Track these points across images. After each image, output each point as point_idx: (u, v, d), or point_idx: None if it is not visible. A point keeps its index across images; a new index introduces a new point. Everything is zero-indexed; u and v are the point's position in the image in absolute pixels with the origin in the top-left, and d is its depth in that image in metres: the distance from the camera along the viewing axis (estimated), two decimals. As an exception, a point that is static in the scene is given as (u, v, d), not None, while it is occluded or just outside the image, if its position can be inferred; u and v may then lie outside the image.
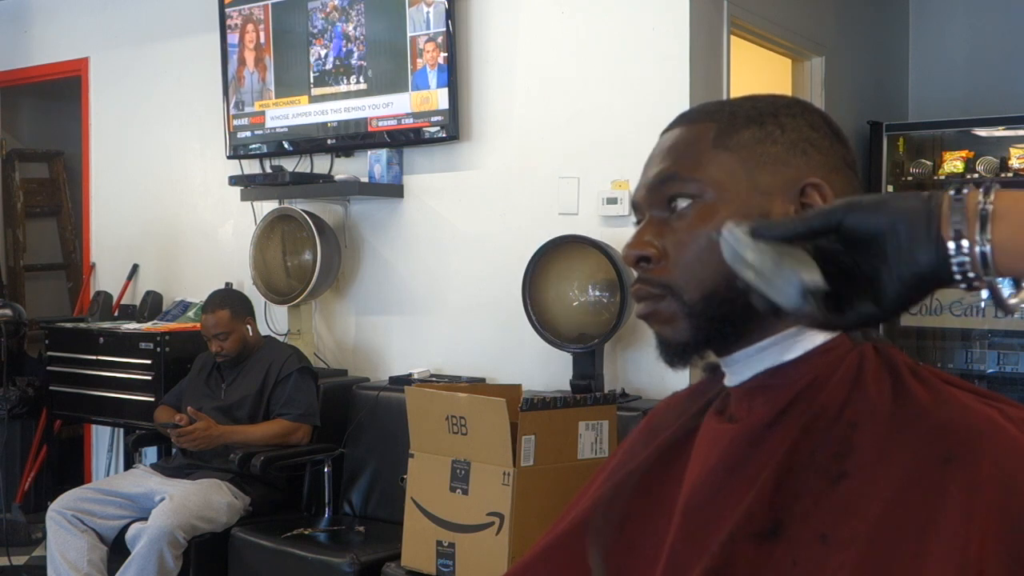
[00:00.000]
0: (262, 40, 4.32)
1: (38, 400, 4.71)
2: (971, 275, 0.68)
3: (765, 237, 0.75)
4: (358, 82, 4.01)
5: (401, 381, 3.67)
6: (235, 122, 4.40)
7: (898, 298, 0.71)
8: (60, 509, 3.46)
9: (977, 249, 0.68)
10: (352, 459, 3.75)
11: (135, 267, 4.91)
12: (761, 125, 0.91)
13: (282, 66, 4.27)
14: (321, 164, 4.23)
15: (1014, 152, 4.74)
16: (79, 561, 3.39)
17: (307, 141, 4.19)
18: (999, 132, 4.88)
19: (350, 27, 4.05)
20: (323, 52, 4.13)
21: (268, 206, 4.21)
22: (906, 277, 0.70)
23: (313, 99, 4.14)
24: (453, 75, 3.75)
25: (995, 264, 0.68)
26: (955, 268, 0.68)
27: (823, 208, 0.75)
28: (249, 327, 3.81)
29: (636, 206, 0.95)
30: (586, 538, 0.96)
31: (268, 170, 4.31)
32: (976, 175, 4.80)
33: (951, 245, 0.68)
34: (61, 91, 5.59)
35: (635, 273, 0.93)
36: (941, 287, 0.71)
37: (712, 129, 0.92)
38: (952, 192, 0.69)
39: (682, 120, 0.95)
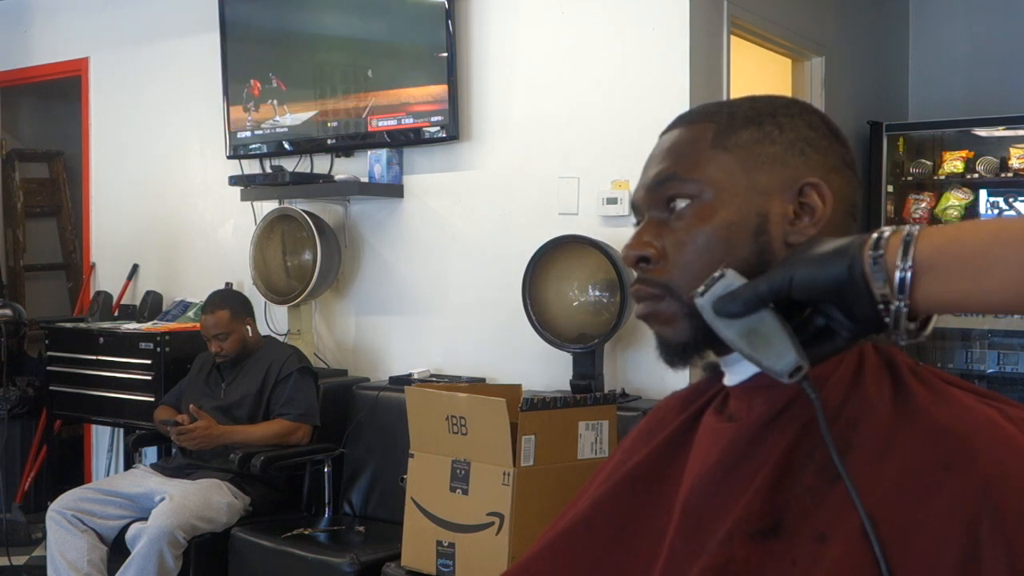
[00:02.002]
0: (263, 40, 4.33)
1: (38, 400, 4.71)
2: (902, 325, 0.76)
3: (729, 315, 0.82)
4: (358, 82, 4.01)
5: (401, 381, 3.68)
6: (235, 122, 4.40)
7: (850, 339, 0.81)
8: (60, 509, 3.46)
9: (892, 309, 0.75)
10: (352, 459, 3.75)
11: (135, 267, 4.91)
12: (759, 125, 0.91)
13: (283, 66, 4.27)
14: (321, 164, 4.23)
15: (1014, 152, 4.74)
16: (79, 561, 3.39)
17: (307, 141, 4.19)
18: (999, 132, 4.88)
19: (350, 27, 4.05)
20: (324, 52, 4.13)
21: (268, 206, 4.21)
22: (850, 326, 0.79)
23: (313, 99, 4.14)
24: (453, 75, 3.75)
25: (912, 315, 0.76)
26: (888, 322, 0.77)
27: (769, 278, 0.81)
28: (249, 327, 3.81)
29: (635, 207, 0.96)
30: (585, 537, 0.96)
31: (268, 170, 4.32)
32: (976, 175, 4.80)
33: (880, 308, 0.76)
34: (61, 91, 5.59)
35: (635, 273, 0.93)
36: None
37: (711, 130, 0.92)
38: (870, 255, 0.76)
39: (681, 121, 0.96)
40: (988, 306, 0.75)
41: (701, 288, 0.84)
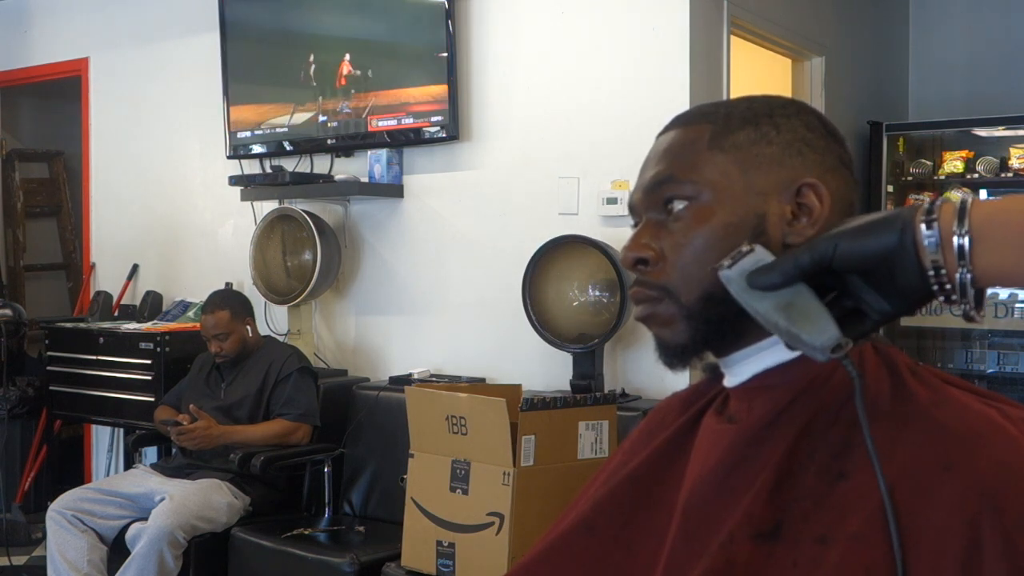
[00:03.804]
0: (263, 40, 4.33)
1: (38, 400, 4.71)
2: (953, 297, 0.75)
3: (764, 287, 0.79)
4: (358, 82, 4.01)
5: (401, 381, 3.67)
6: (235, 122, 4.40)
7: (886, 316, 0.79)
8: (60, 509, 3.46)
9: (957, 277, 0.73)
10: (352, 459, 3.75)
11: (135, 267, 4.91)
12: (756, 126, 0.91)
13: (283, 67, 4.27)
14: (321, 164, 4.23)
15: (1014, 152, 4.73)
16: (79, 561, 3.39)
17: (307, 141, 4.19)
18: (999, 132, 4.88)
19: (350, 27, 4.05)
20: (324, 53, 4.13)
21: (268, 206, 4.21)
22: (884, 308, 0.78)
23: (313, 99, 4.14)
24: (453, 75, 3.75)
25: (975, 283, 0.74)
26: (937, 291, 0.75)
27: (811, 247, 0.79)
28: (249, 327, 3.81)
29: (633, 208, 0.96)
30: (586, 539, 0.96)
31: (268, 170, 4.32)
32: (976, 175, 4.80)
33: (931, 275, 0.74)
34: (61, 91, 5.59)
35: (633, 275, 0.93)
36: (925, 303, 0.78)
37: (708, 131, 0.92)
38: (923, 221, 0.74)
39: (678, 122, 0.95)
40: None
41: (727, 261, 0.81)
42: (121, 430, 4.64)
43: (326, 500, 3.70)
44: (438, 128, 3.81)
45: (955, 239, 0.73)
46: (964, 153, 4.87)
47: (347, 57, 4.03)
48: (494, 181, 3.81)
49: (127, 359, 4.15)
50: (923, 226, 0.74)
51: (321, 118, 4.12)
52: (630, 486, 0.96)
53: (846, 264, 0.77)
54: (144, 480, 3.65)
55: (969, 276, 0.73)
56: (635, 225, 0.95)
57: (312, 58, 4.15)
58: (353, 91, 4.03)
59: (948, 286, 0.74)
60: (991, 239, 0.73)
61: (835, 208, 0.90)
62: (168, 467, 3.74)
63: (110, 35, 5.02)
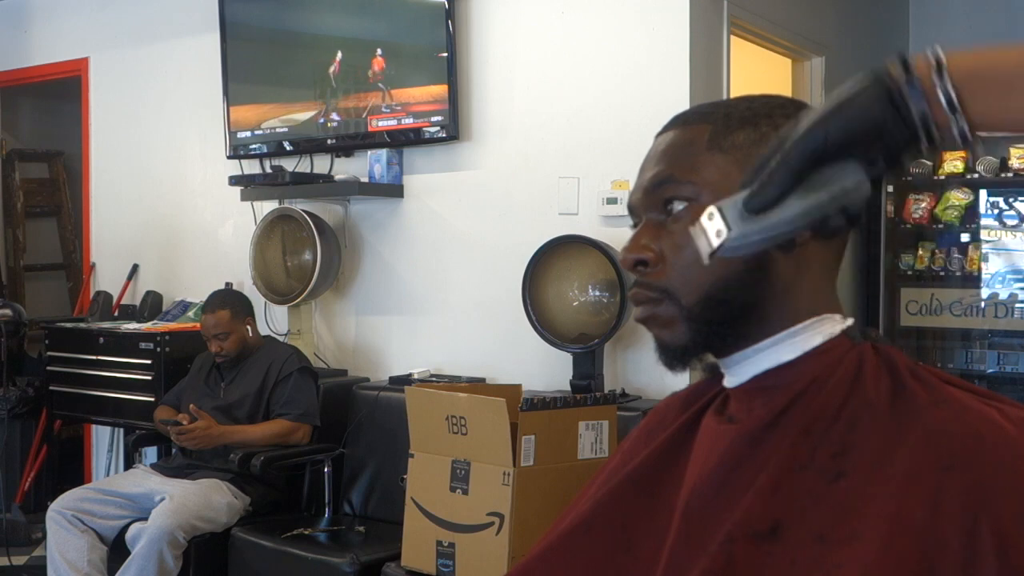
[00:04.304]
0: (263, 40, 4.33)
1: (38, 400, 4.71)
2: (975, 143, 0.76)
3: (765, 207, 0.77)
4: (358, 82, 4.01)
5: (401, 381, 3.67)
6: (235, 122, 4.39)
7: (877, 174, 0.78)
8: (60, 509, 3.46)
9: (954, 130, 0.75)
10: (352, 459, 3.75)
11: (135, 267, 4.91)
12: (755, 126, 0.91)
13: (283, 67, 4.27)
14: (321, 164, 4.23)
15: (1014, 152, 4.73)
16: (79, 561, 3.39)
17: (307, 141, 4.19)
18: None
19: (350, 27, 4.05)
20: (324, 53, 4.13)
21: (268, 206, 4.21)
22: (882, 161, 0.77)
23: (313, 99, 4.14)
24: (453, 75, 3.75)
25: (972, 131, 0.75)
26: (927, 145, 0.76)
27: (799, 142, 0.77)
28: (249, 327, 3.81)
29: (632, 209, 0.95)
30: (585, 539, 0.96)
31: (268, 170, 4.31)
32: (976, 175, 4.79)
33: (922, 131, 0.75)
34: (61, 91, 5.59)
35: (633, 276, 0.93)
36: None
37: (707, 131, 0.92)
38: (903, 77, 0.74)
39: (677, 122, 0.95)
40: None
41: (713, 242, 0.78)
42: (121, 430, 4.64)
43: (326, 500, 3.70)
44: (438, 128, 3.81)
45: (939, 92, 0.74)
46: (964, 153, 4.86)
47: (339, 56, 4.03)
48: (494, 181, 3.81)
49: (127, 359, 4.15)
50: (907, 87, 0.75)
51: (321, 118, 4.12)
52: (630, 486, 0.96)
53: (840, 149, 0.76)
54: (144, 480, 3.65)
55: (966, 125, 0.74)
56: (634, 226, 0.94)
57: (312, 58, 4.15)
58: (353, 91, 4.03)
59: (937, 136, 0.75)
60: (978, 89, 0.74)
61: (835, 208, 0.90)
62: (168, 467, 3.74)
63: (110, 35, 5.01)
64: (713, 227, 0.78)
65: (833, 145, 0.76)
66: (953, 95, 0.74)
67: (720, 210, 0.78)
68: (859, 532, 0.78)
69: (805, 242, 0.88)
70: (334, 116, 4.09)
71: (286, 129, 4.25)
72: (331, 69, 4.09)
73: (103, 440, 4.96)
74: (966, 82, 0.74)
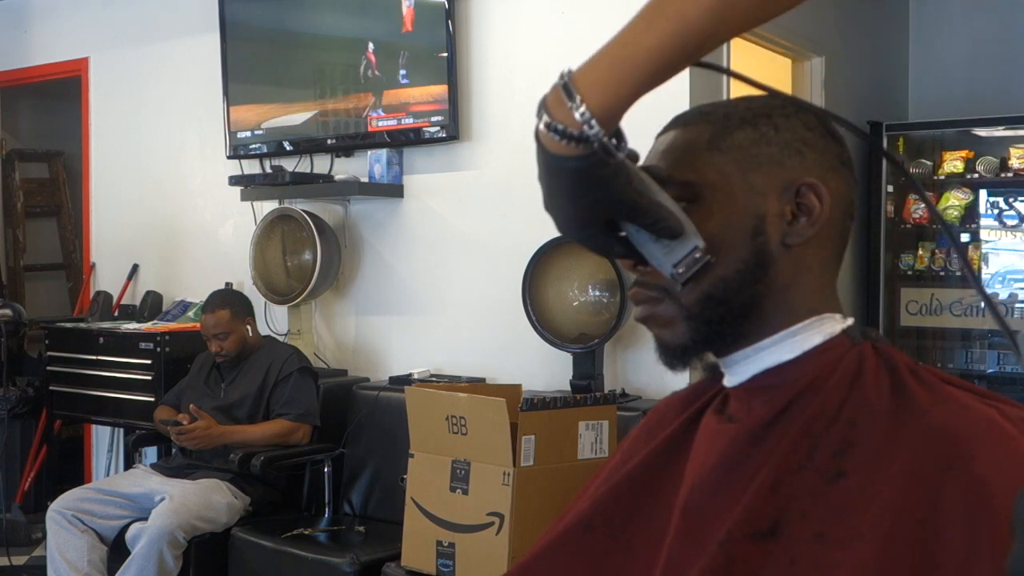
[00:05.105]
0: (263, 40, 4.33)
1: (38, 400, 4.71)
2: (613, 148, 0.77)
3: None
4: (358, 82, 4.01)
5: (401, 381, 3.68)
6: (235, 122, 4.39)
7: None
8: (60, 509, 3.46)
9: (577, 116, 0.75)
10: (352, 459, 3.75)
11: (135, 267, 4.91)
12: (755, 126, 0.91)
13: (283, 67, 4.27)
14: (321, 164, 4.23)
15: (1014, 152, 4.73)
16: (79, 561, 3.39)
17: (307, 141, 4.19)
18: (999, 132, 4.88)
19: (350, 27, 4.05)
20: (324, 53, 4.13)
21: (268, 206, 4.21)
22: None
23: (313, 99, 4.14)
24: (453, 75, 3.75)
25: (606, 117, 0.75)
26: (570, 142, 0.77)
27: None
28: (249, 327, 3.81)
29: (632, 209, 0.95)
30: (585, 538, 0.96)
31: (268, 170, 4.32)
32: (976, 175, 4.80)
33: (557, 138, 0.77)
34: (61, 91, 5.59)
35: (633, 276, 0.93)
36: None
37: (706, 131, 0.92)
38: (545, 122, 0.77)
39: (676, 123, 0.96)
40: (660, 58, 0.75)
41: (682, 268, 0.84)
42: (121, 430, 4.64)
43: (326, 500, 3.70)
44: (438, 128, 3.81)
45: (577, 115, 0.75)
46: (964, 153, 4.86)
47: (339, 56, 4.04)
48: (494, 181, 3.81)
49: (127, 359, 4.15)
50: (547, 132, 0.78)
51: (321, 118, 4.12)
52: (629, 485, 0.96)
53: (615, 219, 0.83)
54: (144, 480, 3.65)
55: (588, 114, 0.74)
56: (634, 225, 0.94)
57: (313, 58, 4.15)
58: (353, 91, 4.03)
59: (580, 134, 0.75)
60: (591, 74, 0.75)
61: (835, 208, 0.90)
62: (168, 467, 3.74)
63: (110, 35, 5.01)
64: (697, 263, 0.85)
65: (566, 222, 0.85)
66: (585, 112, 0.74)
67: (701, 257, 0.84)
68: (859, 531, 0.78)
69: (805, 242, 0.88)
70: (334, 116, 4.09)
71: (286, 129, 4.25)
72: (331, 69, 4.09)
73: (103, 440, 4.96)
74: (578, 74, 0.76)
